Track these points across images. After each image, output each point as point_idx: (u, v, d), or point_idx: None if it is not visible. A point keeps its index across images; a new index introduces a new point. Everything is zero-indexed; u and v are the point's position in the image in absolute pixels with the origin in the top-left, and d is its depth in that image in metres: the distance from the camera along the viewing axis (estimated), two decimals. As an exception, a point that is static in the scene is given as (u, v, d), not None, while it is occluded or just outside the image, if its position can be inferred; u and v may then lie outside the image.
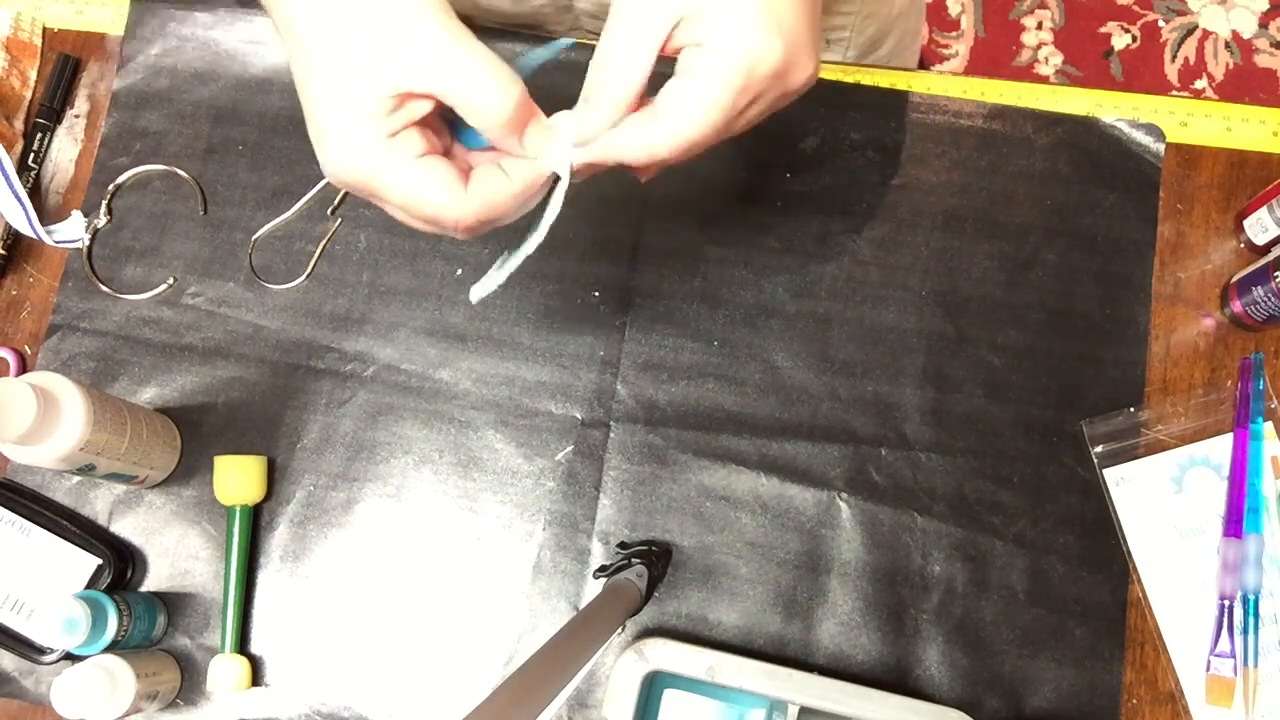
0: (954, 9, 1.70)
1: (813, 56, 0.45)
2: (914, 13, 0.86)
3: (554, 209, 0.47)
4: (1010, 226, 0.69)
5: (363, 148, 0.42)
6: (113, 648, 0.61)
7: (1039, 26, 1.69)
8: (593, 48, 0.45)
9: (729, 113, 0.43)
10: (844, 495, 0.66)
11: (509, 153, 0.45)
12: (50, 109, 0.74)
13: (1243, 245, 0.69)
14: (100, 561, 0.65)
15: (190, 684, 0.65)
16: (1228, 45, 1.66)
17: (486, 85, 0.42)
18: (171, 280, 0.71)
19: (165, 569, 0.67)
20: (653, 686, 0.60)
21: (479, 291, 0.52)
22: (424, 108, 0.43)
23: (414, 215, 0.45)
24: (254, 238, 0.71)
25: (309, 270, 0.71)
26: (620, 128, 0.45)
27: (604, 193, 0.71)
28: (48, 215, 0.72)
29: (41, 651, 0.64)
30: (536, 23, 0.75)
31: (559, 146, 0.45)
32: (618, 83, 0.44)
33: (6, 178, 0.70)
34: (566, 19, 0.74)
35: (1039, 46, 1.68)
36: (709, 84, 0.43)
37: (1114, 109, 0.71)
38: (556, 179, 0.46)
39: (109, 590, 0.64)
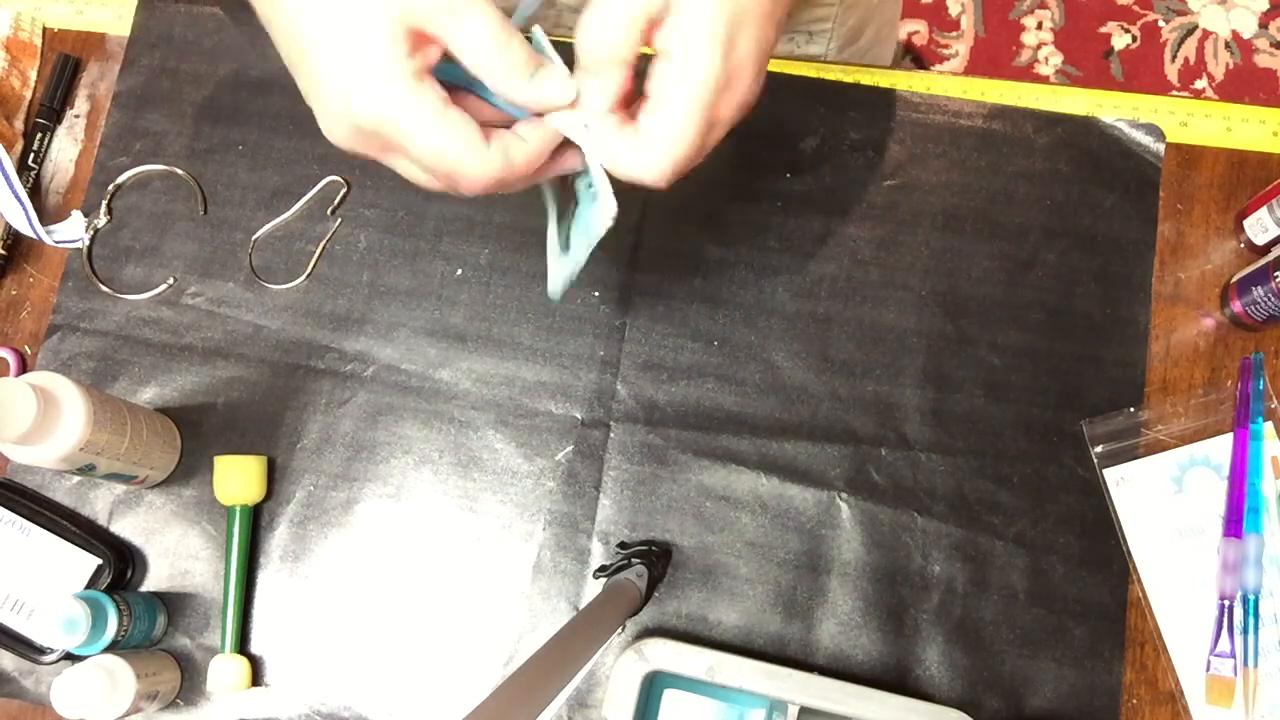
0: (954, 9, 1.70)
1: (757, 80, 0.45)
2: (891, 2, 0.86)
3: (598, 179, 0.46)
4: (1010, 226, 0.69)
5: (388, 89, 0.40)
6: (113, 648, 0.61)
7: (1039, 26, 1.69)
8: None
9: (705, 136, 0.44)
10: (844, 495, 0.66)
11: (513, 102, 0.44)
12: (50, 109, 0.74)
13: (1243, 245, 0.69)
14: (100, 561, 0.65)
15: (190, 684, 0.65)
16: (1228, 45, 1.66)
17: (491, 26, 0.41)
18: (171, 280, 0.71)
19: (165, 569, 0.67)
20: (653, 686, 0.60)
21: (557, 285, 0.51)
22: (436, 54, 0.42)
23: (433, 168, 0.43)
24: (254, 238, 0.71)
25: (309, 270, 0.71)
26: (612, 141, 0.45)
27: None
28: (48, 215, 0.72)
29: (41, 651, 0.64)
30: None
31: (561, 85, 0.44)
32: (608, 41, 0.43)
33: (6, 178, 0.70)
34: (549, 14, 0.75)
35: (1039, 46, 1.68)
36: (683, 109, 0.43)
37: (1114, 109, 0.71)
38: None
39: (109, 590, 0.64)
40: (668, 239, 0.70)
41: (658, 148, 0.44)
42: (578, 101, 0.45)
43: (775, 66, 0.72)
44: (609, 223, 0.46)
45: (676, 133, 0.44)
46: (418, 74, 0.41)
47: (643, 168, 0.45)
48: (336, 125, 0.43)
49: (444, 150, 0.42)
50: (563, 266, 0.50)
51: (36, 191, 0.73)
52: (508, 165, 0.43)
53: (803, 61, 0.72)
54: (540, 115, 0.45)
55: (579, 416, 0.68)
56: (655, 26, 0.43)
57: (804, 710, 0.57)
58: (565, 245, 0.50)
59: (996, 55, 1.68)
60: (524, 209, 0.71)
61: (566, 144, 0.46)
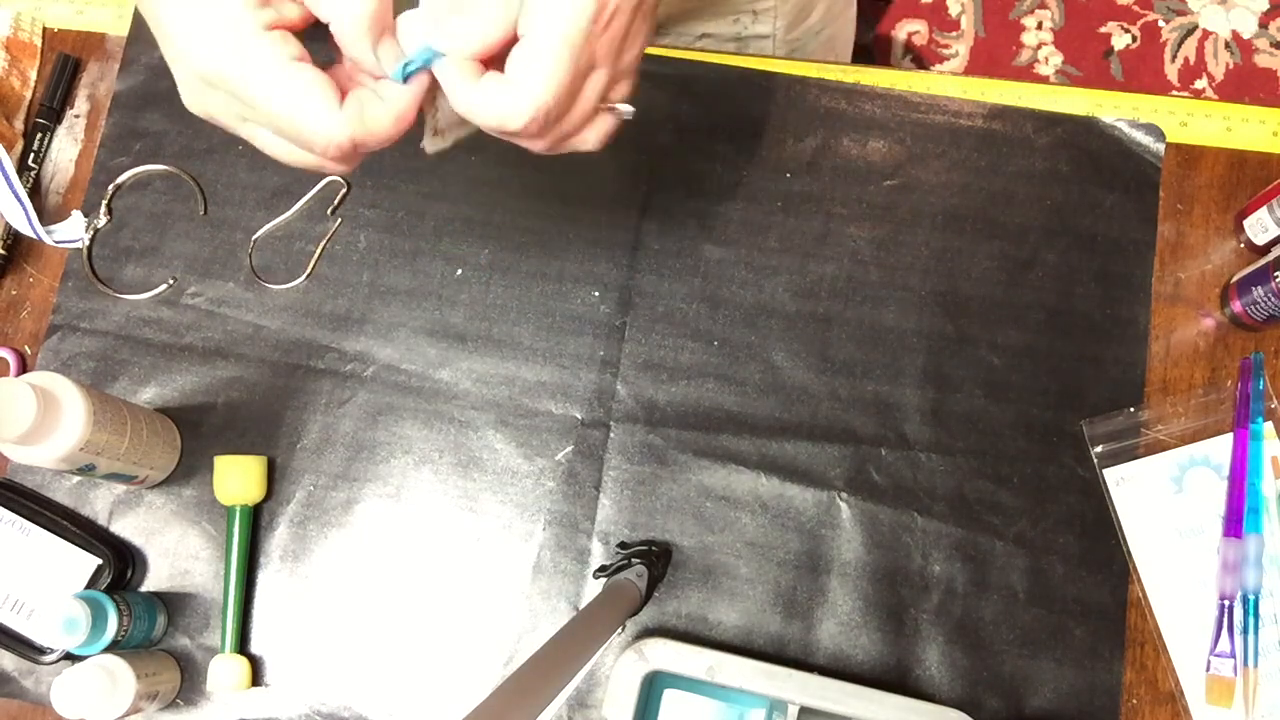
0: (954, 9, 1.70)
1: (640, 19, 0.42)
2: None
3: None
4: (1010, 226, 0.69)
5: (231, 39, 0.38)
6: (113, 648, 0.61)
7: (1039, 26, 1.68)
8: None
9: (578, 58, 0.40)
10: (844, 495, 0.66)
11: (361, 66, 0.41)
12: (50, 109, 0.74)
13: (1243, 245, 0.69)
14: (100, 561, 0.65)
15: (190, 684, 0.65)
16: (1228, 45, 1.66)
17: None
18: (171, 280, 0.70)
19: (165, 569, 0.67)
20: (653, 686, 0.60)
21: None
22: (294, 12, 0.39)
23: (283, 130, 0.40)
24: (254, 238, 0.71)
25: (309, 270, 0.71)
26: (473, 91, 0.41)
27: (604, 192, 0.71)
28: (48, 215, 0.72)
29: (41, 651, 0.64)
30: None
31: (411, 51, 0.41)
32: None
33: (6, 178, 0.69)
34: None
35: (1039, 46, 1.68)
36: (550, 42, 0.40)
37: (1114, 109, 0.71)
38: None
39: (109, 590, 0.64)
40: (668, 239, 0.70)
41: (522, 90, 0.40)
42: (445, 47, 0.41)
43: (775, 66, 0.72)
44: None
45: (543, 72, 0.40)
46: (267, 25, 0.39)
47: (502, 113, 0.40)
48: (186, 85, 0.41)
49: (289, 109, 0.39)
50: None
51: (36, 191, 0.73)
52: (363, 127, 0.40)
53: (754, 40, 0.71)
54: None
55: (579, 416, 0.68)
56: None
57: (804, 710, 0.57)
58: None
59: (996, 55, 1.68)
60: (524, 209, 0.71)
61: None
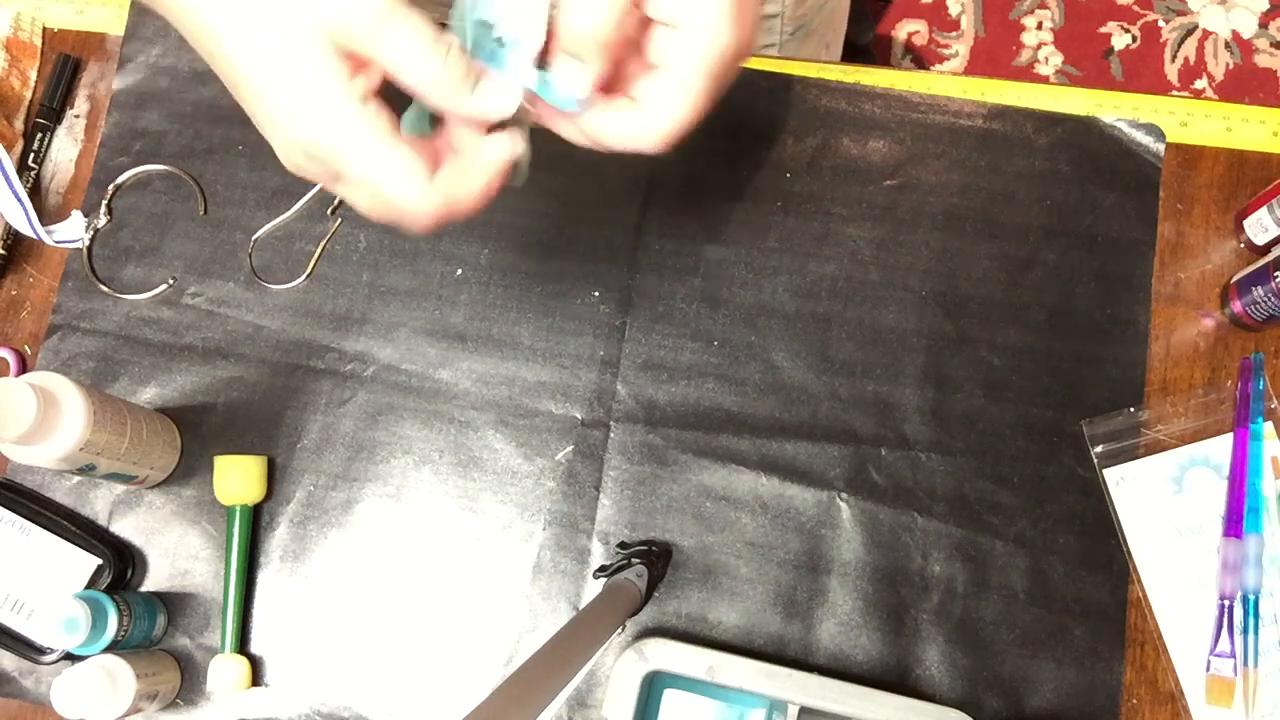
0: (954, 9, 1.70)
1: (753, 39, 0.45)
2: None
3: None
4: (1010, 226, 0.69)
5: (331, 113, 0.40)
6: (113, 648, 0.61)
7: (1039, 26, 1.69)
8: None
9: (708, 102, 0.43)
10: (844, 495, 0.66)
11: (456, 117, 0.43)
12: (50, 109, 0.74)
13: (1243, 245, 0.69)
14: (100, 561, 0.65)
15: (190, 684, 0.65)
16: (1228, 45, 1.66)
17: (422, 39, 0.40)
18: (171, 280, 0.71)
19: (165, 569, 0.67)
20: (653, 686, 0.60)
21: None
22: (378, 76, 0.41)
23: (378, 198, 0.42)
24: (254, 238, 0.71)
25: (309, 270, 0.71)
26: (605, 115, 0.44)
27: (604, 192, 0.71)
28: (48, 215, 0.72)
29: (41, 651, 0.64)
30: None
31: (504, 95, 0.42)
32: (591, 23, 0.41)
33: (6, 178, 0.69)
34: None
35: (1039, 46, 1.68)
36: (692, 74, 0.42)
37: (1114, 109, 0.71)
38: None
39: (109, 590, 0.64)
40: (668, 239, 0.70)
41: (660, 115, 0.43)
42: (533, 102, 0.43)
43: (775, 66, 0.72)
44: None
45: (683, 100, 0.43)
46: (362, 97, 0.40)
47: (639, 137, 0.44)
48: (284, 151, 0.42)
49: (385, 182, 0.41)
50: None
51: (36, 191, 0.73)
52: (450, 203, 0.42)
53: (763, 20, 0.71)
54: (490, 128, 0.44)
55: (579, 416, 0.68)
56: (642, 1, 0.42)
57: (804, 710, 0.57)
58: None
59: (996, 55, 1.68)
60: (524, 209, 0.71)
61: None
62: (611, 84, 0.44)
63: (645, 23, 0.43)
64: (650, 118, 0.43)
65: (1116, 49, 1.67)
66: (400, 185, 0.41)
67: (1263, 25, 1.67)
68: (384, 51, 0.40)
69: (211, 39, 0.42)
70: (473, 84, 0.42)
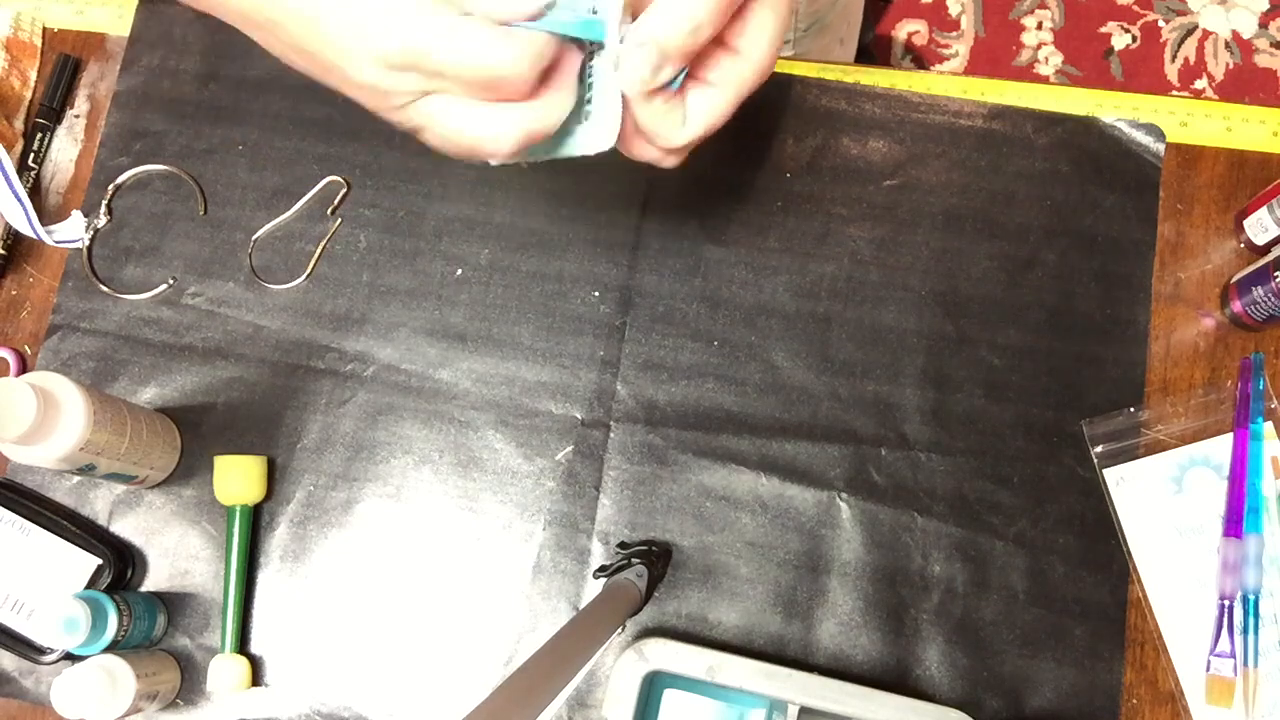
0: (954, 9, 1.70)
1: None
2: None
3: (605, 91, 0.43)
4: (1010, 226, 0.70)
5: (413, 10, 0.38)
6: (113, 648, 0.61)
7: (1039, 26, 1.69)
8: None
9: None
10: (844, 495, 0.66)
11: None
12: (50, 109, 0.74)
13: (1243, 245, 0.69)
14: (100, 561, 0.65)
15: (190, 684, 0.65)
16: (1228, 45, 1.66)
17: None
18: (171, 280, 0.71)
19: (165, 569, 0.67)
20: (653, 686, 0.60)
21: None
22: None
23: (474, 77, 0.39)
24: (254, 238, 0.71)
25: (309, 270, 0.71)
26: (665, 111, 0.44)
27: (604, 192, 0.71)
28: (48, 215, 0.72)
29: (41, 651, 0.64)
30: None
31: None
32: (686, 29, 0.40)
33: (6, 178, 0.69)
34: None
35: (1039, 46, 1.68)
36: (733, 98, 0.44)
37: (1114, 109, 0.71)
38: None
39: (109, 590, 0.64)
40: (668, 239, 0.70)
41: (693, 126, 0.45)
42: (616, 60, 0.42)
43: (777, 66, 0.72)
44: (602, 148, 0.44)
45: (714, 120, 0.45)
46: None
47: (672, 141, 0.45)
48: (362, 77, 0.40)
49: (475, 51, 0.38)
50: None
51: (36, 191, 0.73)
52: (538, 55, 0.39)
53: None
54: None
55: (579, 416, 0.68)
56: (737, 19, 0.43)
57: (804, 710, 0.57)
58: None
59: (996, 55, 1.68)
60: (524, 209, 0.71)
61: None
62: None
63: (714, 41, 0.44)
64: (688, 129, 0.45)
65: (1116, 49, 1.67)
66: (489, 46, 0.38)
67: (1263, 25, 1.67)
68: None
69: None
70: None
